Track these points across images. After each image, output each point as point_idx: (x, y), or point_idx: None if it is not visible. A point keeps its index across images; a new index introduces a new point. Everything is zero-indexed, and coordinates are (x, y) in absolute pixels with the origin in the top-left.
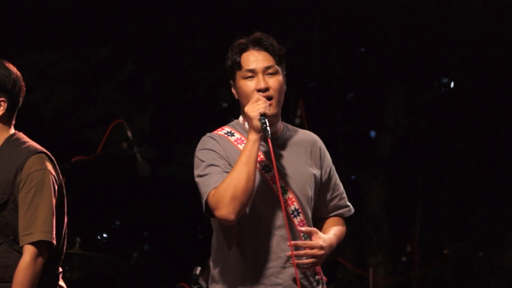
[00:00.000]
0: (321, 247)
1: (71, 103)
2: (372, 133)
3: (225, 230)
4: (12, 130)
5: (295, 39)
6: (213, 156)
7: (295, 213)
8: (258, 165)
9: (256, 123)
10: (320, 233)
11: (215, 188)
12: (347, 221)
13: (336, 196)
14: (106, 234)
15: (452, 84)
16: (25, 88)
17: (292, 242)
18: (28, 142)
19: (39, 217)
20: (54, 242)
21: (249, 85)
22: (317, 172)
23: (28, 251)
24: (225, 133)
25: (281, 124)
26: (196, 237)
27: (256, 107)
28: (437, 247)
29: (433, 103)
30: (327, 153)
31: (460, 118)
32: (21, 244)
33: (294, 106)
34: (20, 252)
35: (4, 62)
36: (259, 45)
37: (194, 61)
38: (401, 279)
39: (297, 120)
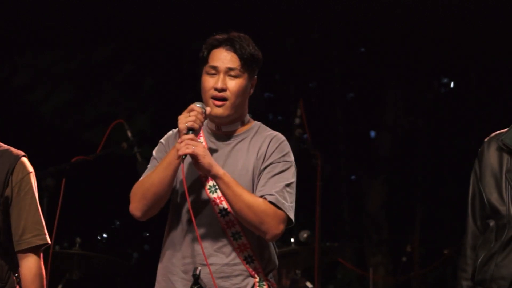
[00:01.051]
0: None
1: (71, 103)
2: (372, 133)
3: (169, 217)
4: None
5: (295, 39)
6: (159, 149)
7: (223, 212)
8: None
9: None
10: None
11: (138, 180)
12: (347, 221)
13: (265, 188)
14: (106, 234)
15: (452, 84)
16: None
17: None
18: (2, 144)
19: (39, 220)
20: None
21: (209, 81)
22: (256, 170)
23: (36, 254)
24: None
25: (249, 125)
26: None
27: (186, 118)
28: (437, 247)
29: (433, 103)
30: (277, 152)
31: (460, 118)
32: (26, 247)
33: (294, 106)
34: (0, 254)
35: None
36: (230, 45)
37: (194, 61)
38: (401, 279)
39: (297, 120)
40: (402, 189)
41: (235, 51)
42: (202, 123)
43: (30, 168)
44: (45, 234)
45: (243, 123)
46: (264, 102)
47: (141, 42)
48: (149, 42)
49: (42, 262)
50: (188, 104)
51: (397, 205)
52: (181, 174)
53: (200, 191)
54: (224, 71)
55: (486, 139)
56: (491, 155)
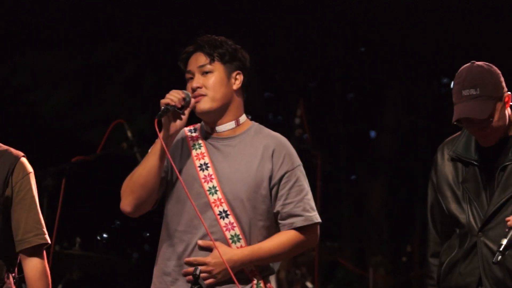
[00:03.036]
0: (206, 263)
1: (71, 103)
2: (372, 133)
3: (164, 220)
4: None
5: (295, 39)
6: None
7: (223, 214)
8: (197, 162)
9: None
10: (222, 247)
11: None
12: (347, 221)
13: (290, 202)
14: (106, 234)
15: (452, 84)
16: None
17: (185, 259)
18: (3, 145)
19: (40, 219)
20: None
21: (188, 86)
22: (264, 175)
23: (40, 254)
24: (189, 130)
25: (245, 126)
26: None
27: (163, 100)
28: None
29: (433, 103)
30: (288, 158)
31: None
32: (27, 246)
33: (294, 106)
34: None
35: None
36: (198, 47)
37: None
38: (401, 279)
39: (297, 120)
40: (402, 189)
41: (202, 50)
42: (186, 101)
43: (30, 168)
44: (45, 234)
45: (238, 123)
46: (264, 102)
47: (141, 42)
48: (149, 42)
49: (46, 261)
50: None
51: (397, 205)
52: (188, 176)
53: (199, 193)
54: (197, 71)
55: (439, 146)
56: (446, 165)
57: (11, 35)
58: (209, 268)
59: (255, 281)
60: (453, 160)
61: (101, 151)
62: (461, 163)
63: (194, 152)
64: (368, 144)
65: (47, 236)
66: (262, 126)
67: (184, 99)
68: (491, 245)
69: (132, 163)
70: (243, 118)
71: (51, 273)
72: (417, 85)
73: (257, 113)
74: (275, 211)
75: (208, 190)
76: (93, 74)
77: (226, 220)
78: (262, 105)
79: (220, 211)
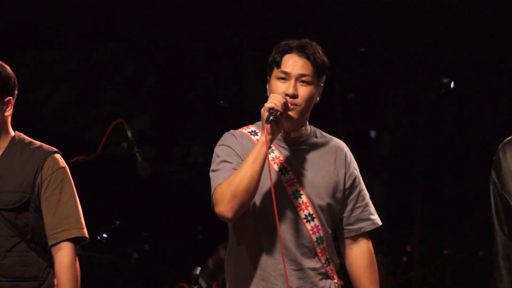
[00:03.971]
0: None
1: (71, 103)
2: (372, 133)
3: (238, 227)
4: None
5: (295, 39)
6: (228, 153)
7: (309, 218)
8: (275, 167)
9: (264, 114)
10: None
11: (219, 184)
12: None
13: (359, 207)
14: (106, 234)
15: (452, 84)
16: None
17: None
18: (35, 141)
19: (71, 214)
20: (87, 236)
21: (279, 86)
22: (340, 179)
23: (67, 248)
24: (249, 132)
25: (308, 129)
26: (196, 237)
27: (267, 104)
28: (437, 247)
29: (433, 103)
30: (353, 162)
31: (460, 118)
32: (54, 242)
33: None
34: (36, 251)
35: (1, 63)
36: (302, 51)
37: (194, 61)
38: (401, 279)
39: None
40: (402, 189)
41: (307, 58)
42: (285, 108)
43: (62, 163)
44: (75, 228)
45: (306, 128)
46: (264, 102)
47: (141, 42)
48: (149, 42)
49: (73, 256)
50: (188, 104)
51: (397, 205)
52: (268, 180)
53: (283, 197)
54: (295, 77)
55: (499, 146)
56: (510, 161)
57: (11, 35)
58: None
59: (335, 280)
60: None
61: (101, 151)
62: None
63: (269, 156)
64: (368, 144)
65: (78, 230)
66: (317, 128)
67: (284, 104)
68: None
69: (132, 163)
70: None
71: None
72: (417, 85)
73: (257, 113)
74: (343, 215)
75: (292, 194)
76: (93, 74)
77: (312, 223)
78: (262, 105)
79: (305, 215)
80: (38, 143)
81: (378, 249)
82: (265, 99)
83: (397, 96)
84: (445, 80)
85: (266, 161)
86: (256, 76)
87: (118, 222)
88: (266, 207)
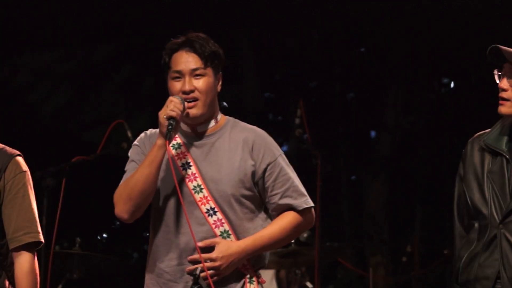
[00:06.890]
0: (213, 259)
1: (71, 103)
2: (372, 133)
3: (152, 222)
4: None
5: (295, 38)
6: (136, 152)
7: (211, 211)
8: (179, 162)
9: (164, 129)
10: (224, 242)
11: (119, 185)
12: (347, 221)
13: (276, 194)
14: (106, 234)
15: (452, 84)
16: None
17: (189, 257)
18: (0, 144)
19: (33, 218)
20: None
21: (176, 85)
22: (247, 170)
23: (29, 253)
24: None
25: (222, 121)
26: None
27: (164, 111)
28: (437, 247)
29: (433, 103)
30: (267, 149)
31: (460, 118)
32: (16, 245)
33: (294, 106)
34: None
35: None
36: (189, 46)
37: None
38: (401, 279)
39: (297, 120)
40: (402, 189)
41: (195, 51)
42: (182, 112)
43: (24, 167)
44: (37, 232)
45: (216, 121)
46: (264, 102)
47: (141, 42)
48: (149, 42)
49: (35, 260)
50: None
51: (397, 205)
52: (172, 176)
53: (184, 192)
54: (188, 73)
55: (470, 140)
56: (474, 156)
57: (11, 35)
58: (217, 264)
59: (248, 276)
60: (483, 150)
61: (101, 151)
62: (490, 154)
63: (173, 152)
64: (368, 144)
65: (39, 235)
66: (237, 120)
67: (183, 106)
68: (511, 238)
69: None
70: (219, 114)
71: (51, 273)
72: (417, 85)
73: (257, 113)
74: (266, 202)
75: (193, 189)
76: (93, 74)
77: (214, 217)
78: (262, 105)
79: (207, 209)
80: (0, 145)
81: (378, 249)
82: (265, 99)
83: (397, 96)
84: (445, 80)
85: (169, 160)
86: (256, 76)
87: (118, 222)
88: (170, 205)
